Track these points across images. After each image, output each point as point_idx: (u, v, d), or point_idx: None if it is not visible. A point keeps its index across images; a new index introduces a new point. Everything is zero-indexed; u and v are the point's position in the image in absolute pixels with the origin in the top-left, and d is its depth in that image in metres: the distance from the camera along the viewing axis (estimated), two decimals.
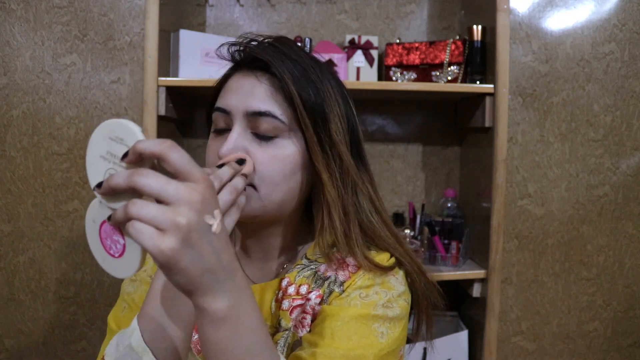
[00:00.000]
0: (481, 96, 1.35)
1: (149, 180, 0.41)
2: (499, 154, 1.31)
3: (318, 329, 0.66)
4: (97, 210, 0.47)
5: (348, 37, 1.45)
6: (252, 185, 0.66)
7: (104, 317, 1.48)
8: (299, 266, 0.74)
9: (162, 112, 1.24)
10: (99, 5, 1.43)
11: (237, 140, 0.66)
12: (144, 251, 0.45)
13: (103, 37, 1.43)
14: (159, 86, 1.23)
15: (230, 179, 0.58)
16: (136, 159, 0.43)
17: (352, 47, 1.44)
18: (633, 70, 1.59)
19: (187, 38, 1.32)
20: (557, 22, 1.57)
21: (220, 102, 0.69)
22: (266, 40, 0.70)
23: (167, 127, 1.35)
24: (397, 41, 1.45)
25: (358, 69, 1.44)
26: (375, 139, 1.59)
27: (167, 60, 1.31)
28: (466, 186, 1.56)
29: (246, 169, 0.62)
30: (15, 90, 1.42)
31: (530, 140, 1.58)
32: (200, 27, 1.53)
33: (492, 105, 1.33)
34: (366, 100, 1.56)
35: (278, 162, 0.67)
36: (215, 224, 0.45)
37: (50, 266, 1.46)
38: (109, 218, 0.45)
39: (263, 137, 0.67)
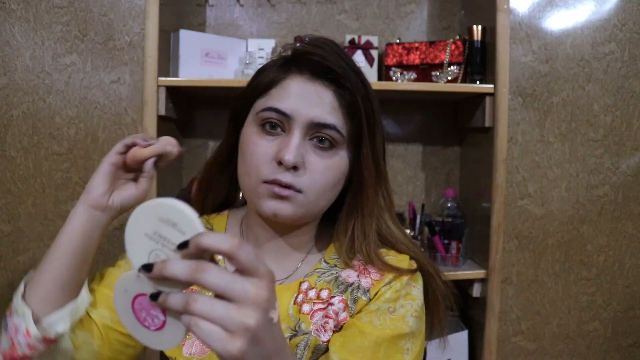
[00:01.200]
0: (481, 96, 1.35)
1: (214, 277, 0.40)
2: (499, 154, 1.31)
3: (349, 345, 0.67)
4: (133, 283, 0.45)
5: (348, 37, 1.45)
6: (297, 189, 0.66)
7: None
8: (318, 270, 0.75)
9: (162, 112, 1.24)
10: (99, 5, 1.43)
11: (298, 147, 0.66)
12: (187, 331, 0.44)
13: (103, 37, 1.43)
14: (159, 86, 1.23)
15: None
16: (198, 254, 0.42)
17: (352, 47, 1.44)
18: (633, 70, 1.59)
19: (187, 38, 1.32)
20: (557, 22, 1.57)
21: (279, 104, 0.67)
22: (331, 48, 0.70)
23: (167, 127, 1.35)
24: (397, 41, 1.45)
25: None
26: None
27: (167, 60, 1.31)
28: (466, 186, 1.56)
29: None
30: (15, 90, 1.42)
31: (530, 140, 1.58)
32: (200, 27, 1.53)
33: (492, 105, 1.33)
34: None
35: (330, 172, 0.69)
36: (275, 315, 0.44)
37: None
38: (153, 297, 0.43)
39: (321, 147, 0.68)
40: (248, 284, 0.41)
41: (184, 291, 0.43)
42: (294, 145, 0.65)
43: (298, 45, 0.72)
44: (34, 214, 1.44)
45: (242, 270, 0.42)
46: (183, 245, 0.41)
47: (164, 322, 0.45)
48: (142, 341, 0.47)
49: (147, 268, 0.42)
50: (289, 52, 0.72)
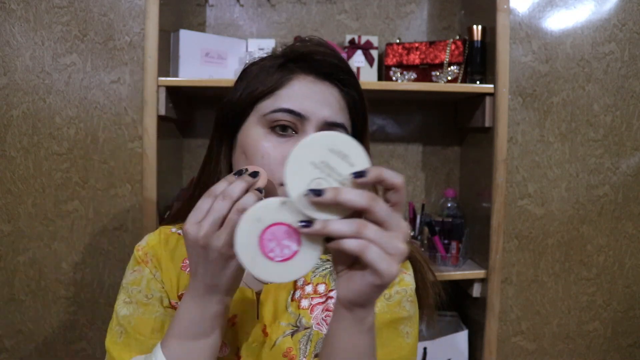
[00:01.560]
0: (481, 96, 1.35)
1: (381, 207, 0.45)
2: (499, 154, 1.31)
3: None
4: (271, 212, 0.47)
5: (348, 37, 1.45)
6: None
7: (104, 317, 1.48)
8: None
9: (162, 112, 1.24)
10: (99, 5, 1.43)
11: None
12: (314, 262, 0.48)
13: (103, 37, 1.43)
14: (159, 86, 1.23)
15: (243, 194, 0.56)
16: (370, 183, 0.46)
17: (352, 47, 1.44)
18: (633, 70, 1.59)
19: (187, 38, 1.32)
20: (557, 22, 1.57)
21: (292, 105, 0.66)
22: (330, 48, 0.71)
23: (167, 127, 1.35)
24: (397, 41, 1.45)
25: (358, 69, 1.44)
26: (375, 139, 1.59)
27: (167, 60, 1.31)
28: (466, 186, 1.56)
29: (260, 182, 0.59)
30: (15, 90, 1.42)
31: (530, 140, 1.58)
32: (200, 27, 1.53)
33: (492, 105, 1.32)
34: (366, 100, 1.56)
35: None
36: None
37: (50, 266, 1.46)
38: (306, 224, 0.45)
39: None
40: (400, 218, 0.47)
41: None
42: None
43: (298, 45, 0.71)
44: (34, 214, 1.44)
45: (397, 204, 0.48)
46: (361, 174, 0.45)
47: (294, 253, 0.47)
48: (258, 273, 0.47)
49: (317, 193, 0.44)
50: (289, 52, 0.71)
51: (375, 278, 0.46)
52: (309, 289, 0.74)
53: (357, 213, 0.47)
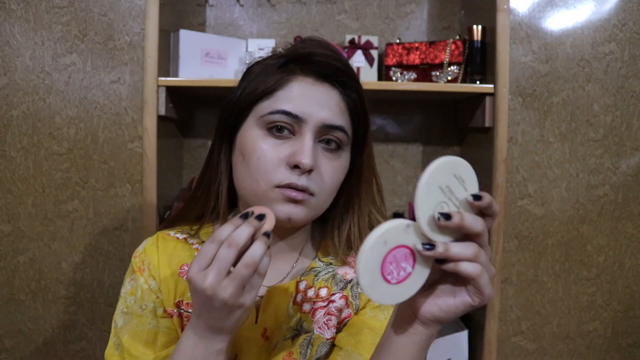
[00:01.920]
0: (481, 96, 1.35)
1: (486, 233, 0.48)
2: (499, 154, 1.31)
3: (360, 342, 0.68)
4: (397, 234, 0.47)
5: (348, 37, 1.45)
6: (310, 193, 0.66)
7: (104, 317, 1.48)
8: (314, 269, 0.75)
9: (162, 112, 1.24)
10: (99, 5, 1.43)
11: (313, 150, 0.65)
12: (424, 284, 0.50)
13: (103, 37, 1.43)
14: (159, 86, 1.23)
15: (249, 240, 0.55)
16: (482, 208, 0.49)
17: (352, 47, 1.44)
18: (633, 70, 1.59)
19: (187, 38, 1.32)
20: (557, 22, 1.56)
21: (289, 106, 0.66)
22: (332, 49, 0.70)
23: (167, 127, 1.35)
24: (397, 41, 1.45)
25: (358, 69, 1.44)
26: (375, 139, 1.59)
27: (167, 60, 1.31)
28: None
29: (267, 225, 0.57)
30: (15, 90, 1.42)
31: (530, 140, 1.58)
32: (200, 27, 1.53)
33: (492, 105, 1.32)
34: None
35: (337, 173, 0.69)
36: None
37: (50, 266, 1.46)
38: (429, 247, 0.47)
39: (329, 149, 0.68)
40: (489, 246, 0.51)
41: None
42: (309, 148, 0.64)
43: (300, 45, 0.71)
44: (34, 214, 1.44)
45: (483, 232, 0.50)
46: (479, 198, 0.48)
47: (408, 275, 0.49)
48: (375, 296, 0.48)
49: (447, 217, 0.46)
50: (290, 53, 0.70)
51: (476, 299, 0.49)
52: (311, 292, 0.73)
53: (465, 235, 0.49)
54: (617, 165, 1.61)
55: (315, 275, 0.74)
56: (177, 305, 0.72)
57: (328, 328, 0.71)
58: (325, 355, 0.71)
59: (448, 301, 0.50)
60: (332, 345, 0.72)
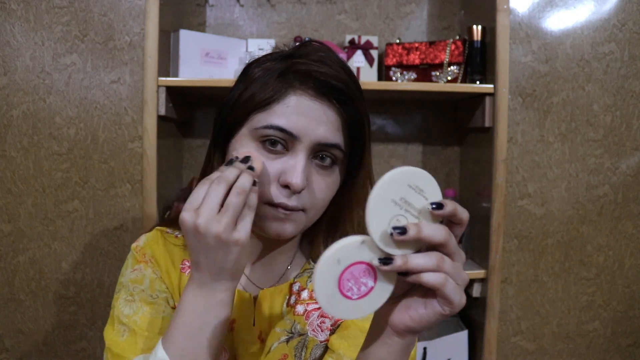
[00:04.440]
0: (481, 96, 1.35)
1: (453, 240, 0.47)
2: (499, 154, 1.31)
3: (352, 345, 0.68)
4: (351, 252, 0.47)
5: (348, 37, 1.45)
6: (302, 209, 0.65)
7: (104, 317, 1.48)
8: (308, 271, 0.75)
9: (162, 112, 1.24)
10: (99, 5, 1.43)
11: (305, 170, 0.63)
12: (389, 296, 0.49)
13: (103, 37, 1.43)
14: (159, 86, 1.23)
15: (236, 178, 0.56)
16: (445, 217, 0.47)
17: (352, 47, 1.44)
18: (633, 70, 1.59)
19: (187, 38, 1.32)
20: (557, 22, 1.57)
21: (284, 122, 0.63)
22: (333, 61, 0.66)
23: (167, 127, 1.35)
24: (397, 41, 1.45)
25: (358, 69, 1.44)
26: (375, 139, 1.59)
27: (167, 60, 1.31)
28: (466, 186, 1.56)
29: (256, 164, 0.59)
30: (15, 90, 1.42)
31: (530, 140, 1.58)
32: (200, 27, 1.53)
33: (492, 105, 1.33)
34: (366, 100, 1.56)
35: (330, 189, 0.68)
36: None
37: (50, 266, 1.46)
38: (385, 261, 0.46)
39: (322, 166, 0.67)
40: (461, 251, 0.49)
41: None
42: (301, 168, 0.63)
43: (298, 60, 0.67)
44: (34, 214, 1.44)
45: (456, 236, 0.49)
46: (440, 206, 0.46)
47: (371, 289, 0.48)
48: (335, 313, 0.48)
49: (402, 231, 0.45)
50: (290, 64, 0.67)
51: (446, 308, 0.48)
52: (304, 294, 0.73)
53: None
54: (617, 165, 1.61)
55: (309, 277, 0.74)
56: None
57: (322, 330, 0.71)
58: (319, 357, 0.71)
59: (419, 311, 0.49)
60: (326, 348, 0.71)
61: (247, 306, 0.72)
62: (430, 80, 1.40)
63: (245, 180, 0.55)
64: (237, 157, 0.60)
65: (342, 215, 0.73)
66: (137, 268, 0.72)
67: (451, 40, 1.39)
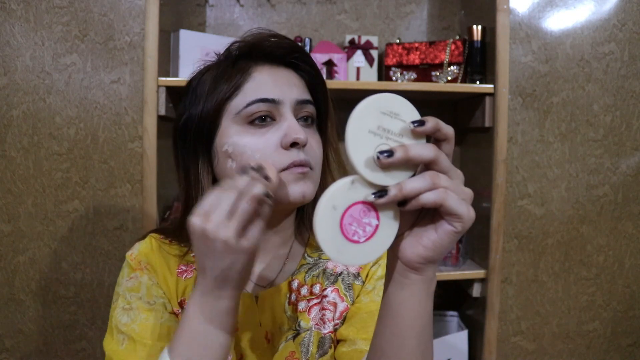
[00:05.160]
0: (481, 96, 1.35)
1: (444, 156, 0.46)
2: (499, 154, 1.31)
3: (366, 328, 0.69)
4: (344, 194, 0.45)
5: (348, 37, 1.45)
6: (310, 166, 0.66)
7: (104, 317, 1.48)
8: (304, 266, 0.75)
9: (162, 112, 1.24)
10: (99, 5, 1.43)
11: (298, 125, 0.66)
12: (397, 230, 0.48)
13: (103, 37, 1.43)
14: (159, 86, 1.23)
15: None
16: (429, 132, 0.46)
17: (352, 47, 1.44)
18: (633, 70, 1.59)
19: (187, 38, 1.32)
20: (557, 22, 1.57)
21: (262, 93, 0.66)
22: (278, 34, 0.71)
23: (167, 127, 1.35)
24: (397, 41, 1.45)
25: (358, 69, 1.44)
26: None
27: (167, 60, 1.31)
28: (466, 186, 1.56)
29: (271, 173, 0.57)
30: (15, 90, 1.42)
31: (530, 140, 1.58)
32: (200, 27, 1.53)
33: (492, 105, 1.33)
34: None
35: (319, 145, 0.70)
36: None
37: (50, 266, 1.46)
38: (381, 194, 0.44)
39: (308, 125, 0.69)
40: (456, 168, 0.48)
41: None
42: (293, 124, 0.65)
43: (247, 39, 0.70)
44: (34, 214, 1.44)
45: (448, 155, 0.48)
46: (421, 123, 0.45)
47: (377, 227, 0.46)
48: (348, 260, 0.47)
49: (388, 154, 0.44)
50: (240, 48, 0.70)
51: (456, 224, 0.46)
52: (304, 290, 0.74)
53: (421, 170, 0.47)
54: (617, 165, 1.61)
55: (306, 272, 0.75)
56: (181, 304, 0.71)
57: (324, 323, 0.72)
58: (327, 350, 0.71)
59: (431, 237, 0.48)
60: (332, 340, 0.72)
61: (251, 308, 0.72)
62: (430, 80, 1.40)
63: (257, 188, 0.54)
64: (251, 167, 0.58)
65: (327, 181, 0.73)
66: (133, 276, 0.72)
67: (451, 40, 1.39)
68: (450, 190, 0.45)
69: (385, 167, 0.44)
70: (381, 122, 0.45)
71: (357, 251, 0.46)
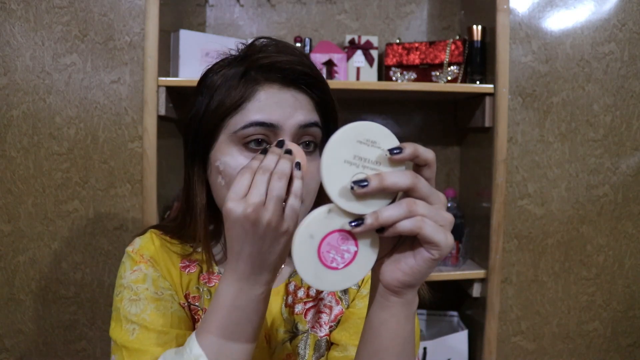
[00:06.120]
0: (481, 96, 1.35)
1: (423, 182, 0.46)
2: (498, 154, 1.31)
3: (355, 333, 0.68)
4: (320, 223, 0.46)
5: (348, 37, 1.45)
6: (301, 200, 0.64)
7: (104, 317, 1.48)
8: None
9: (162, 112, 1.24)
10: (99, 5, 1.43)
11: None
12: (376, 255, 0.48)
13: (103, 37, 1.43)
14: (159, 86, 1.23)
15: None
16: (407, 159, 0.46)
17: (352, 47, 1.44)
18: (633, 70, 1.59)
19: (187, 38, 1.32)
20: (557, 22, 1.57)
21: (262, 117, 0.63)
22: (292, 51, 0.67)
23: (167, 127, 1.35)
24: (397, 41, 1.45)
25: (358, 69, 1.44)
26: None
27: (167, 60, 1.31)
28: (466, 186, 1.56)
29: (293, 147, 0.57)
30: (15, 90, 1.42)
31: (530, 140, 1.58)
32: (200, 27, 1.53)
33: (492, 105, 1.33)
34: (366, 100, 1.56)
35: (317, 172, 0.67)
36: None
37: (50, 266, 1.46)
38: (357, 223, 0.45)
39: (309, 152, 0.66)
40: (437, 191, 0.47)
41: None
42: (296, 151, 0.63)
43: (259, 54, 0.67)
44: (34, 214, 1.44)
45: (430, 179, 0.48)
46: (398, 151, 0.45)
47: (355, 253, 0.47)
48: (326, 287, 0.47)
49: (362, 184, 0.44)
50: (251, 62, 0.67)
51: (433, 252, 0.46)
52: (301, 293, 0.74)
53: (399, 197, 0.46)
54: (617, 165, 1.61)
55: None
56: (187, 297, 0.71)
57: (320, 326, 0.72)
58: (323, 353, 0.72)
59: (409, 263, 0.48)
60: (328, 343, 0.72)
61: None
62: (430, 80, 1.40)
63: (285, 164, 0.53)
64: (269, 145, 0.58)
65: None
66: (137, 268, 0.71)
67: (451, 40, 1.39)
68: (427, 218, 0.45)
69: (360, 197, 0.44)
70: (358, 151, 0.45)
71: (336, 277, 0.47)
